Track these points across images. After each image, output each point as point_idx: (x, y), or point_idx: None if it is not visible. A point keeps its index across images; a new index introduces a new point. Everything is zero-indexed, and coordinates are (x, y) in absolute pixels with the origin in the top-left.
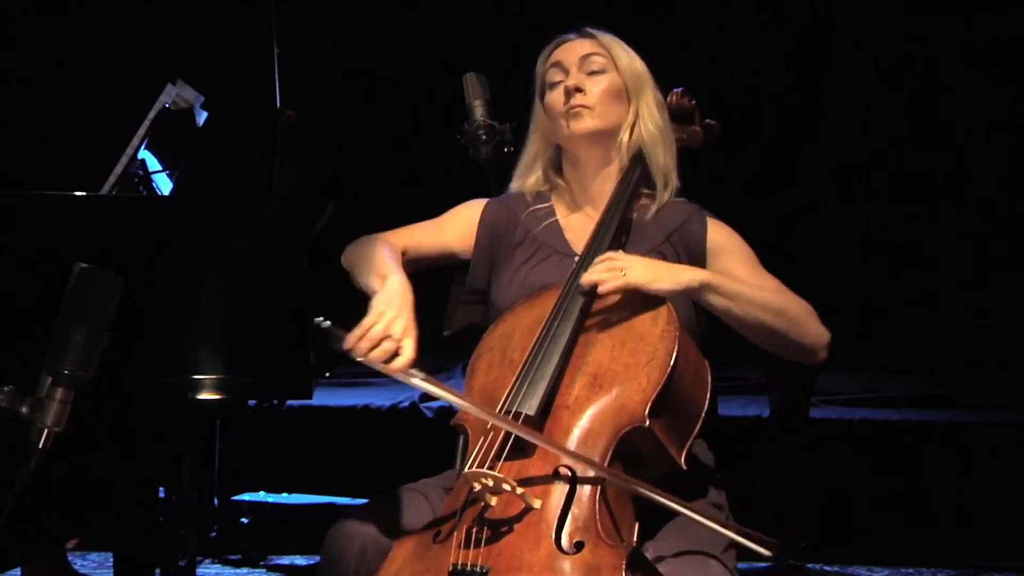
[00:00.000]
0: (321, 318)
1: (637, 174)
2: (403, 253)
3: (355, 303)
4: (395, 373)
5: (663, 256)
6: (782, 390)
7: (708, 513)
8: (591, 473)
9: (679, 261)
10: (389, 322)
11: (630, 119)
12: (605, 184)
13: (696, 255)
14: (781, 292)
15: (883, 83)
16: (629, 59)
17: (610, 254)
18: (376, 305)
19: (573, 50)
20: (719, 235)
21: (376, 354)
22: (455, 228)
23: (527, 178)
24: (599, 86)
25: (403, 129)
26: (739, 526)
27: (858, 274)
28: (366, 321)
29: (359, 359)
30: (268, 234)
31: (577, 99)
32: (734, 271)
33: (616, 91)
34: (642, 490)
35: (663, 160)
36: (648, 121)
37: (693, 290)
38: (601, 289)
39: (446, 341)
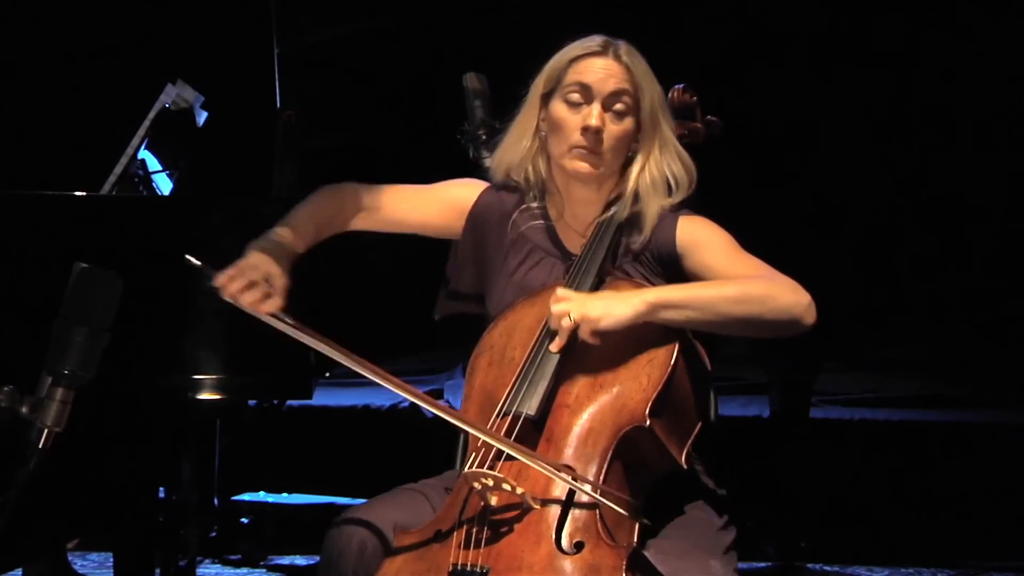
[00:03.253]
0: (191, 257)
1: (619, 220)
2: (373, 209)
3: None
4: (263, 315)
5: (643, 265)
6: (782, 390)
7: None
8: (591, 473)
9: (656, 268)
10: (263, 265)
11: (637, 166)
12: (592, 208)
13: (668, 260)
14: (747, 277)
15: (885, 83)
16: (651, 98)
17: (559, 293)
18: (249, 249)
19: (605, 78)
20: (688, 232)
21: (248, 296)
22: (443, 206)
23: (514, 165)
24: (615, 131)
25: (403, 129)
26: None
27: (858, 274)
28: (239, 262)
29: (227, 299)
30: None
31: (592, 142)
32: (708, 264)
33: (627, 138)
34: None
35: (654, 208)
36: (654, 169)
37: (643, 315)
38: (560, 343)
39: (446, 342)
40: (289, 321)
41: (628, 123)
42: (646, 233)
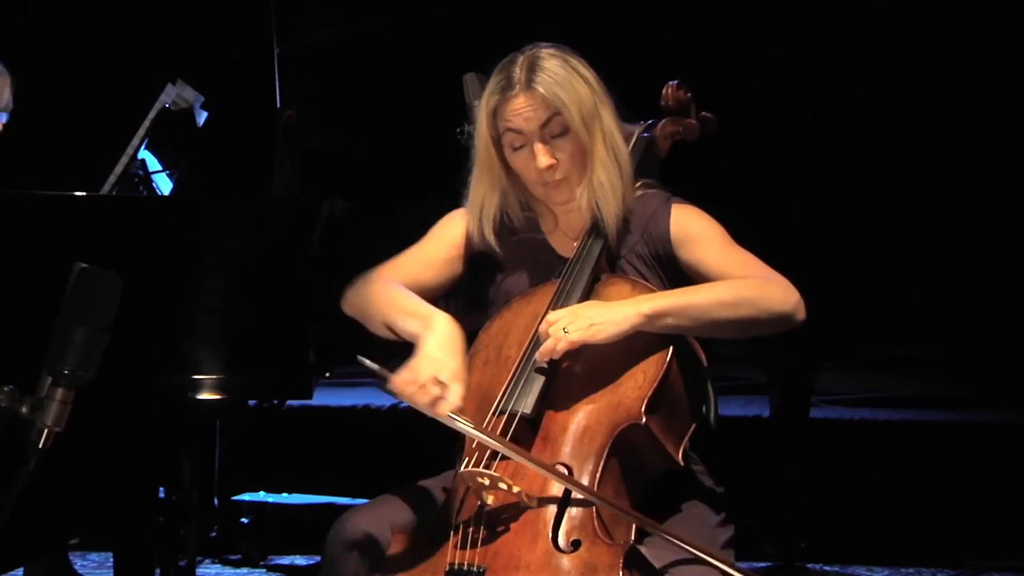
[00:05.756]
0: (365, 360)
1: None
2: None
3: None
4: (439, 417)
5: (640, 257)
6: (782, 390)
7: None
8: (587, 471)
9: (654, 257)
10: (439, 366)
11: (590, 171)
12: (586, 213)
13: (663, 251)
14: (740, 279)
15: (886, 82)
16: (577, 107)
17: (550, 316)
18: (426, 348)
19: (528, 118)
20: (682, 224)
21: (422, 399)
22: (446, 254)
23: (509, 203)
24: (566, 152)
25: (403, 129)
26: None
27: (858, 274)
28: (414, 363)
29: (405, 401)
30: (267, 234)
31: (553, 176)
32: (703, 259)
33: (581, 148)
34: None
35: (613, 212)
36: (600, 171)
37: (638, 326)
38: (553, 355)
39: None
40: (466, 422)
41: (573, 138)
42: (614, 226)
